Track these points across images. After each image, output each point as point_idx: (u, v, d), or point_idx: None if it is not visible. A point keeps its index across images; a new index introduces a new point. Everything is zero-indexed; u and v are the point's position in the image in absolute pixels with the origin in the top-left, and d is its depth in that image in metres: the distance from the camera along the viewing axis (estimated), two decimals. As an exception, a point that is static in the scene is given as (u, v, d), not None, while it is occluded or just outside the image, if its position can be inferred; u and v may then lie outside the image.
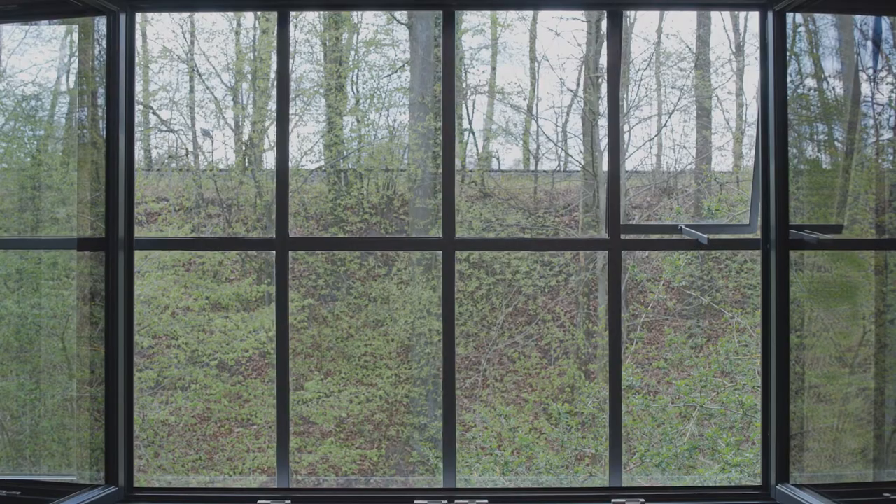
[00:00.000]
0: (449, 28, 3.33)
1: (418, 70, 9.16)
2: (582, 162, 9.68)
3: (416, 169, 9.11)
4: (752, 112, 9.34)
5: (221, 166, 9.25)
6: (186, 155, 9.44)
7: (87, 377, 3.62)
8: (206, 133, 9.35)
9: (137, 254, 3.32)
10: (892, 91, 3.56)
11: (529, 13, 9.54)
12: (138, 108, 9.18)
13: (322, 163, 9.43)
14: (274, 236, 3.53)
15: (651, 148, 9.91)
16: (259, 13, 8.95)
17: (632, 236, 3.66)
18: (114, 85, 3.27)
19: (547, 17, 9.57)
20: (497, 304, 9.11)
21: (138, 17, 3.43)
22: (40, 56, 4.09)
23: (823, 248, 3.22)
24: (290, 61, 7.80)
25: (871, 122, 3.64)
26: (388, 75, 9.58)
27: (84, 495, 3.00)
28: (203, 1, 3.86)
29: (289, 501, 3.35)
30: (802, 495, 2.92)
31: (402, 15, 9.35)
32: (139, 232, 8.23)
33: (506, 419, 8.17)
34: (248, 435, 8.55)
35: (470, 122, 9.91)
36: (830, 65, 3.63)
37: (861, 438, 3.65)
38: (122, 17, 3.31)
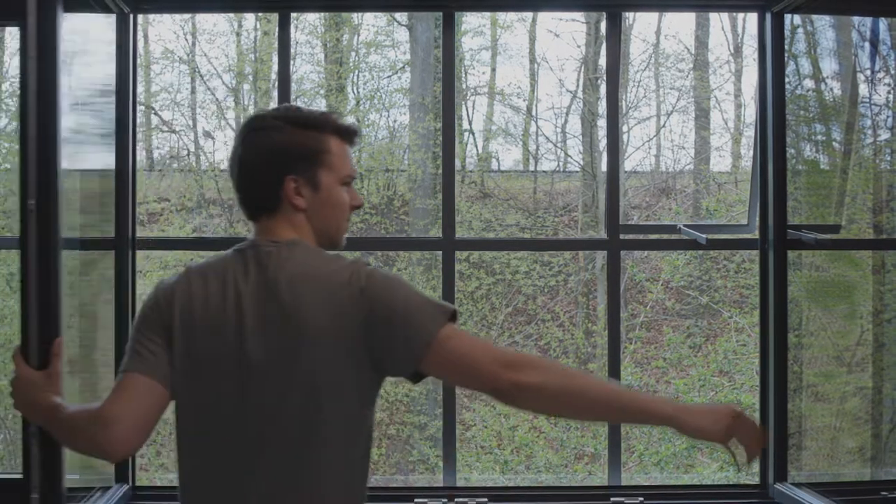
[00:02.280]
0: (449, 29, 3.34)
1: (418, 71, 9.18)
2: (581, 162, 9.71)
3: (416, 169, 9.13)
4: (751, 113, 9.36)
5: (223, 167, 9.28)
6: (188, 155, 9.47)
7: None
8: (207, 134, 9.37)
9: (139, 254, 3.33)
10: (889, 92, 3.58)
11: (529, 15, 9.56)
12: (140, 108, 9.20)
13: (322, 163, 9.44)
14: (276, 236, 3.53)
15: (650, 148, 9.94)
16: (260, 15, 8.97)
17: (631, 236, 3.67)
18: (115, 86, 3.28)
19: (546, 18, 9.59)
20: (497, 304, 9.13)
21: (140, 18, 3.45)
22: (43, 57, 4.10)
23: (821, 247, 3.23)
24: (291, 62, 7.82)
25: (869, 122, 3.66)
26: (389, 76, 9.61)
27: (98, 494, 2.99)
28: (204, 2, 3.85)
29: (291, 499, 3.36)
30: (801, 494, 2.93)
31: (402, 16, 9.37)
32: (141, 232, 8.24)
33: (505, 418, 8.19)
34: (249, 434, 8.55)
35: (470, 123, 9.93)
36: (828, 66, 3.65)
37: (859, 437, 3.67)
38: (123, 19, 3.33)
